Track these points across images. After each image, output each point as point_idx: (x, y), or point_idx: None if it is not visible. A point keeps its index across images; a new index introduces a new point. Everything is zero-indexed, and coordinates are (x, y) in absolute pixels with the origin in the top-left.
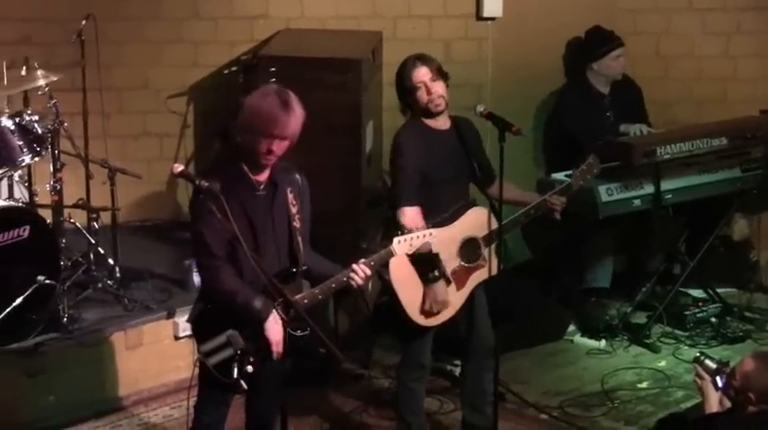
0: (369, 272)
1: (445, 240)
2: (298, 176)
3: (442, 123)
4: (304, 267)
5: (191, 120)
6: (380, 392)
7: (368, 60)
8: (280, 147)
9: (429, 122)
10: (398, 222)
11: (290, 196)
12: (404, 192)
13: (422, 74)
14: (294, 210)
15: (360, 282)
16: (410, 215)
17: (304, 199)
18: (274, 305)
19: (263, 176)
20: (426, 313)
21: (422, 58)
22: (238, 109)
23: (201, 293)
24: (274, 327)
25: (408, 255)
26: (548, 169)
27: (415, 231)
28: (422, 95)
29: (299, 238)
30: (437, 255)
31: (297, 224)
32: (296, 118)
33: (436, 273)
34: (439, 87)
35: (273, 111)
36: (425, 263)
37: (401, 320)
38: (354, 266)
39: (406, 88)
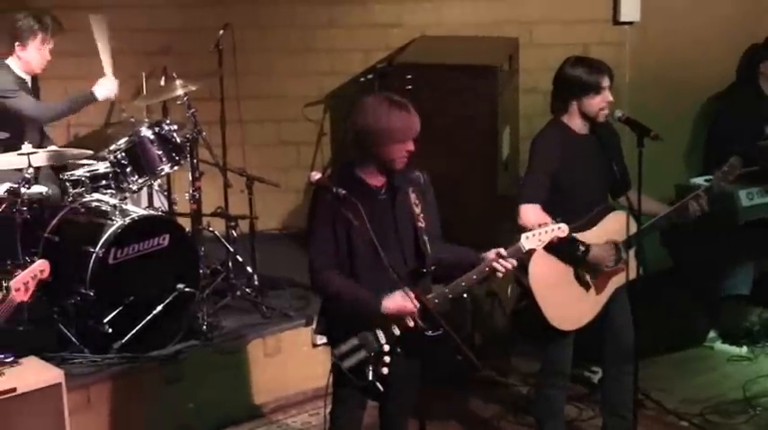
0: (514, 262)
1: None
2: (418, 173)
3: (583, 128)
4: (432, 267)
5: (327, 128)
6: (519, 399)
7: (504, 66)
8: (413, 145)
9: (573, 126)
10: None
11: (413, 196)
12: (527, 192)
13: (606, 80)
14: (418, 209)
15: (502, 272)
16: (528, 213)
17: (428, 195)
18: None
19: (381, 181)
20: (565, 317)
21: (605, 64)
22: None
23: (324, 302)
24: (395, 300)
25: (548, 250)
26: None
27: (543, 226)
28: (599, 101)
29: (425, 237)
30: (569, 234)
31: (421, 223)
32: (416, 114)
33: (582, 248)
34: (611, 97)
35: (404, 119)
36: (566, 247)
37: (540, 325)
38: (499, 260)
39: (582, 87)
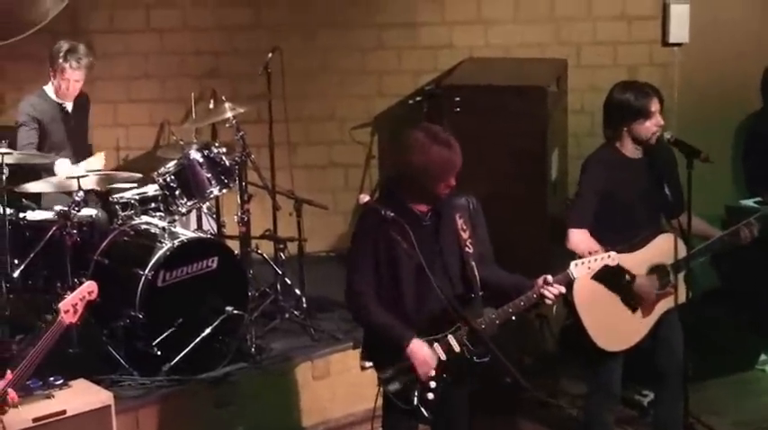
0: (562, 289)
1: (633, 266)
2: (465, 200)
3: (636, 153)
4: (481, 292)
5: (375, 150)
6: (568, 421)
7: (553, 88)
8: (454, 181)
9: (624, 151)
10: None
11: (459, 222)
12: (575, 216)
13: (657, 103)
14: (465, 235)
15: (552, 300)
16: (576, 238)
17: (476, 220)
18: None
19: (426, 208)
20: (610, 338)
21: (654, 88)
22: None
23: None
24: (419, 351)
25: (594, 277)
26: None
27: (594, 254)
28: (650, 125)
29: (473, 263)
30: (617, 264)
31: (469, 249)
32: (459, 150)
33: (628, 277)
34: (662, 120)
35: (445, 158)
36: (612, 276)
37: (587, 347)
38: (546, 287)
39: (631, 112)
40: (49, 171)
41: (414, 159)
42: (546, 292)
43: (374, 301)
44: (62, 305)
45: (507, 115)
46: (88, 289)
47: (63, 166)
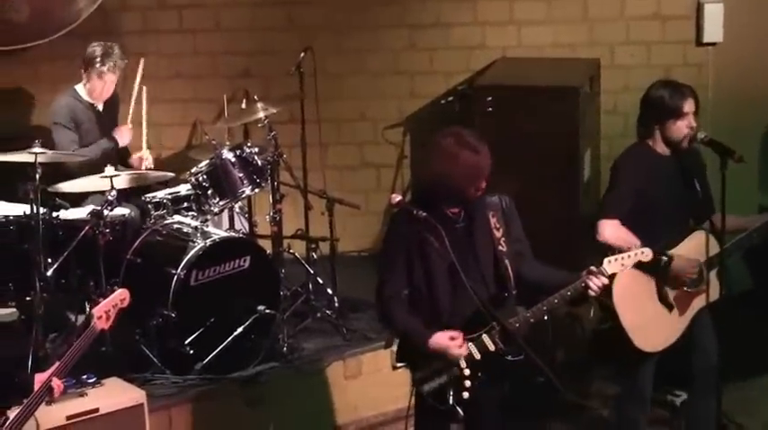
0: (605, 280)
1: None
2: (498, 198)
3: (667, 150)
4: (514, 291)
5: (407, 150)
6: (600, 422)
7: (585, 88)
8: (484, 184)
9: (656, 148)
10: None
11: (493, 221)
12: (608, 208)
13: (691, 105)
14: (499, 233)
15: (595, 291)
16: (606, 228)
17: (510, 219)
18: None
19: (458, 209)
20: (649, 338)
21: (692, 89)
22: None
23: None
24: (439, 338)
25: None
26: None
27: (627, 251)
28: (683, 126)
29: (507, 262)
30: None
31: (503, 248)
32: (488, 154)
33: (665, 258)
34: (695, 122)
35: (474, 162)
36: (650, 265)
37: (623, 348)
38: (591, 276)
39: (667, 111)
40: (84, 170)
41: (442, 167)
42: (590, 282)
43: (401, 307)
44: (95, 311)
45: (539, 116)
46: (120, 296)
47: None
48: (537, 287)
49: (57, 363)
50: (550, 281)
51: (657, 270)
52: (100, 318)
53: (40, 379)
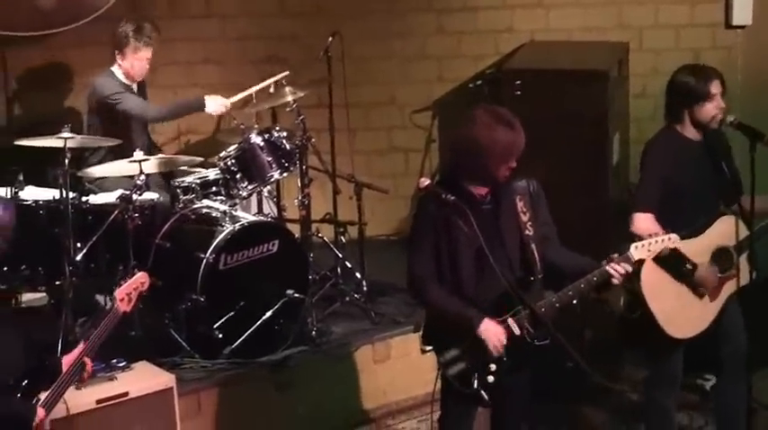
0: (628, 268)
1: (697, 251)
2: (526, 182)
3: (696, 134)
4: (540, 275)
5: (435, 134)
6: (630, 406)
7: (614, 72)
8: (515, 163)
9: (685, 133)
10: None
11: (520, 204)
12: (641, 200)
13: (718, 86)
14: (525, 217)
15: (618, 278)
16: (641, 222)
17: (537, 204)
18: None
19: (485, 191)
20: (679, 325)
21: (716, 71)
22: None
23: (428, 310)
24: (490, 326)
25: (656, 261)
26: None
27: (654, 236)
28: (710, 108)
29: (533, 246)
30: (676, 249)
31: (529, 232)
32: (522, 133)
33: (689, 266)
34: (723, 103)
35: (509, 139)
36: (673, 261)
37: (652, 334)
38: (613, 264)
39: (694, 95)
40: (116, 154)
41: (478, 136)
42: (612, 270)
43: (435, 284)
44: (117, 293)
45: (568, 99)
46: (141, 279)
47: (212, 102)
48: (560, 272)
49: (82, 344)
50: (573, 266)
51: (681, 275)
52: (122, 300)
53: (67, 360)
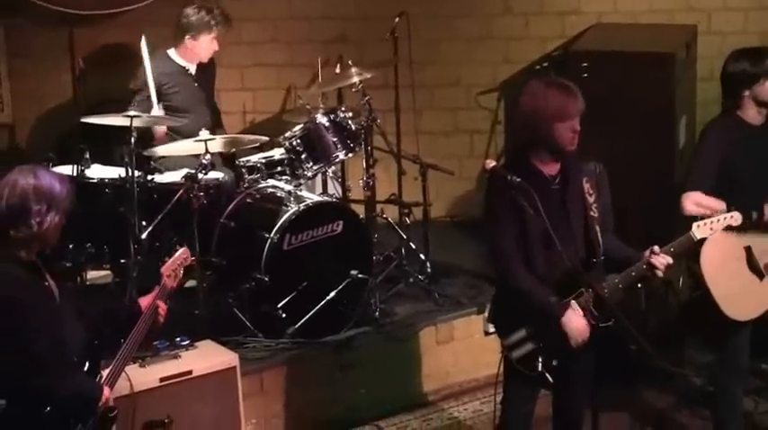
0: (669, 260)
1: (760, 234)
2: (593, 165)
3: (758, 119)
4: (602, 257)
5: (501, 116)
6: (693, 391)
7: (682, 54)
8: (579, 124)
9: (747, 118)
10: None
11: (587, 186)
12: (692, 179)
13: None
14: (591, 199)
15: (661, 270)
16: (692, 199)
17: (602, 187)
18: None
19: (555, 170)
20: (739, 307)
21: (765, 47)
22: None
23: (498, 290)
24: (574, 319)
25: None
26: None
27: (715, 215)
28: None
29: (597, 228)
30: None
31: (594, 214)
32: (579, 97)
33: (755, 214)
34: None
35: (561, 98)
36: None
37: (714, 317)
38: (654, 256)
39: (753, 76)
40: (179, 134)
41: (530, 102)
42: (654, 261)
43: (520, 263)
44: (164, 269)
45: (635, 82)
46: (183, 255)
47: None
48: (607, 261)
49: (156, 289)
50: (618, 255)
51: (747, 229)
52: (169, 276)
53: (144, 303)
